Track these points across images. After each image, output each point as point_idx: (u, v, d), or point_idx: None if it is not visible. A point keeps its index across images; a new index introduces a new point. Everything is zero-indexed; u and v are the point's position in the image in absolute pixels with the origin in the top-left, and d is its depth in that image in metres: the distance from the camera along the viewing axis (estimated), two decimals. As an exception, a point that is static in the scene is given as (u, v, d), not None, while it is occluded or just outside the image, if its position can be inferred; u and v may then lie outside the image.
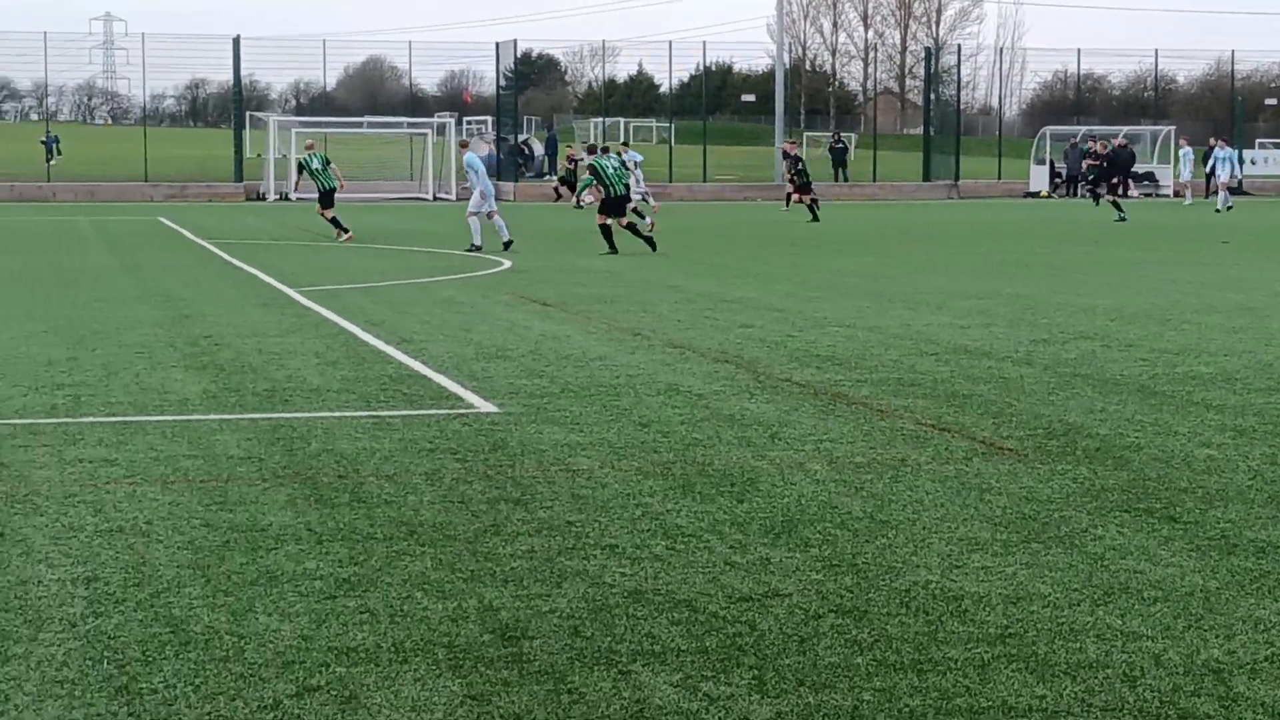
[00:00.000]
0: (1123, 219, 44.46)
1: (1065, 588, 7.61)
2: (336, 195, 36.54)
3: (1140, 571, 7.90)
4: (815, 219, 44.35)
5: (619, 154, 40.95)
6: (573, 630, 6.91)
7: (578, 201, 50.43)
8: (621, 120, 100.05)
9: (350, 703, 6.02)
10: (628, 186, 32.53)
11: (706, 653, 6.61)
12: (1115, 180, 45.59)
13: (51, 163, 69.47)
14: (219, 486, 9.77)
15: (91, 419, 12.15)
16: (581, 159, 49.89)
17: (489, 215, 32.47)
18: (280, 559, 8.08)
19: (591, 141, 40.75)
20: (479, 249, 31.81)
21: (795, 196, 46.90)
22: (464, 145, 34.70)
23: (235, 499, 9.43)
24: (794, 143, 52.47)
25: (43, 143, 71.95)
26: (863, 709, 5.98)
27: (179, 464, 10.45)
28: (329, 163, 36.72)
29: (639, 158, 51.00)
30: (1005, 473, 10.26)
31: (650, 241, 31.61)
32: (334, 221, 36.30)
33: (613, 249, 31.20)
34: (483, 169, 33.03)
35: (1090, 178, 53.06)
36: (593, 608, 7.24)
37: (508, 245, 32.13)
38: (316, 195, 36.95)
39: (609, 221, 31.81)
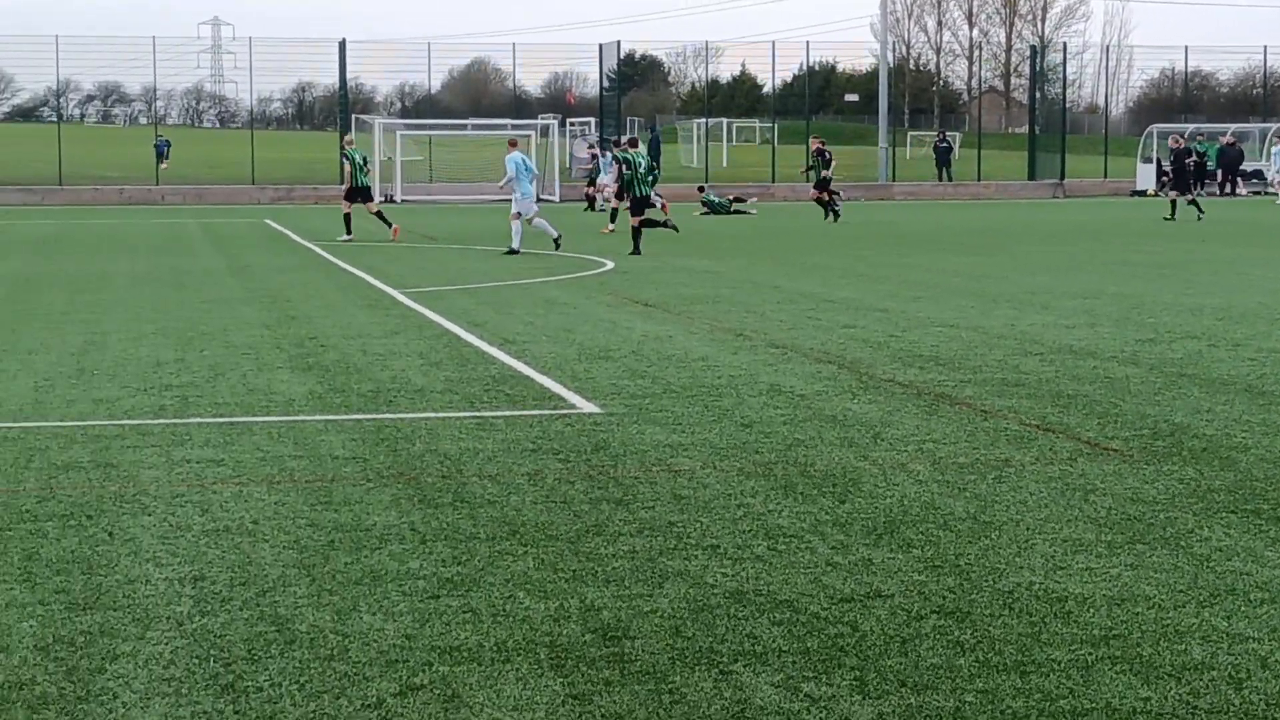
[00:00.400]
0: (1169, 219, 43.98)
1: (1170, 589, 7.55)
2: (363, 195, 36.72)
3: (1247, 573, 7.82)
4: (833, 217, 44.27)
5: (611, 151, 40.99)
6: (674, 630, 6.92)
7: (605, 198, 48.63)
8: (724, 121, 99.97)
9: (453, 702, 6.06)
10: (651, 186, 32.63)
11: (808, 653, 6.61)
12: (1190, 180, 44.83)
13: (162, 167, 70.18)
14: (324, 486, 9.86)
15: (199, 419, 12.28)
16: (601, 153, 49.15)
17: (529, 220, 32.05)
18: (384, 559, 8.14)
19: (631, 135, 39.96)
20: (515, 252, 31.31)
21: (817, 195, 46.30)
22: (512, 145, 34.10)
23: (340, 499, 9.50)
24: (819, 139, 50.90)
25: (155, 146, 72.72)
26: (965, 710, 5.96)
27: (285, 464, 10.54)
28: (367, 160, 36.98)
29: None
30: (1110, 473, 10.18)
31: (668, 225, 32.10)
32: (347, 219, 36.55)
33: (637, 250, 31.32)
34: (520, 172, 32.44)
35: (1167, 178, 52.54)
36: (694, 608, 7.25)
37: (520, 251, 31.49)
38: (345, 188, 37.11)
39: (638, 222, 31.96)
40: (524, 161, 32.59)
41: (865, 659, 6.54)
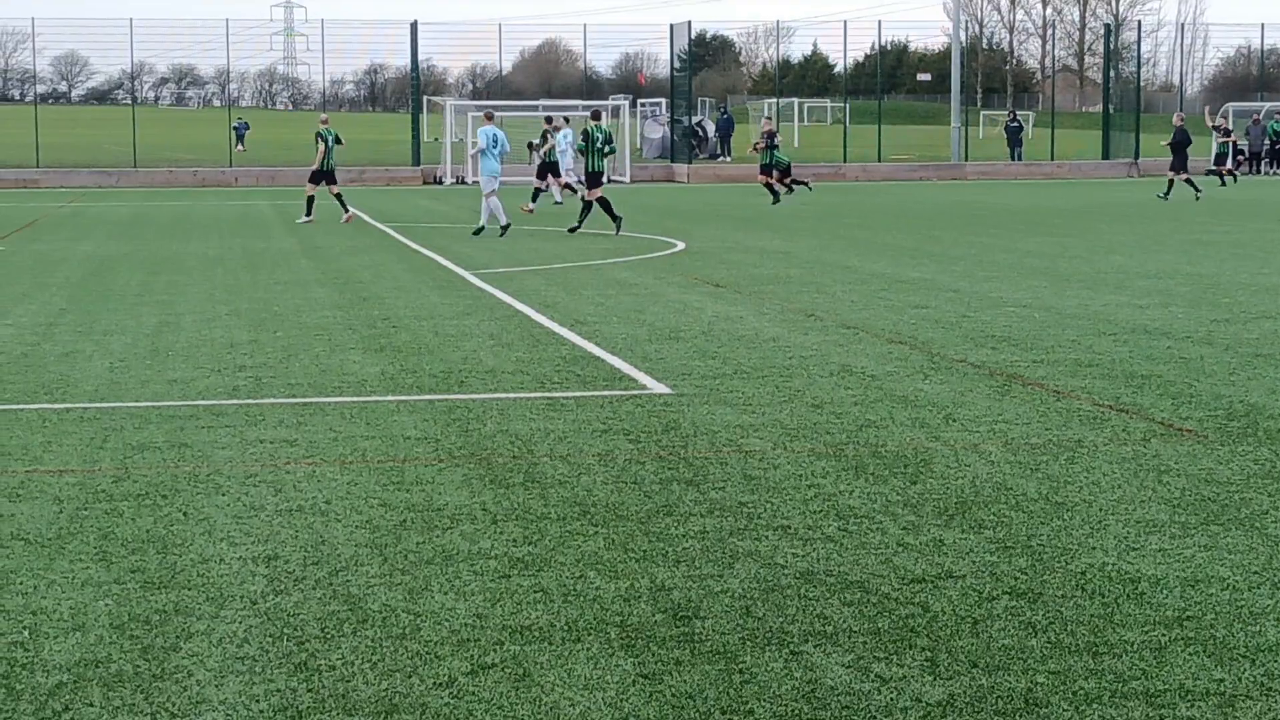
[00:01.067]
0: (1198, 195, 44.18)
1: (1245, 570, 7.50)
2: (328, 177, 36.44)
3: (1323, 555, 7.76)
4: (778, 199, 43.07)
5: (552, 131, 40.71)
6: (744, 610, 6.92)
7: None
8: (796, 100, 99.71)
9: (524, 681, 6.08)
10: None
11: (879, 634, 6.60)
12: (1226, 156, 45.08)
13: (239, 149, 70.27)
14: (396, 467, 9.90)
15: (272, 400, 12.35)
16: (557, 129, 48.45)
17: (486, 195, 31.57)
18: (456, 538, 8.17)
19: (594, 109, 39.17)
20: (506, 227, 31.31)
21: (767, 179, 44.20)
22: (488, 118, 33.41)
23: (412, 479, 9.55)
24: (769, 119, 49.94)
25: (234, 128, 72.89)
26: (1037, 691, 5.94)
27: (357, 444, 10.60)
28: (339, 140, 36.83)
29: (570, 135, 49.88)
30: (1184, 454, 10.12)
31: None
32: (309, 201, 36.47)
33: (616, 221, 31.40)
34: (488, 146, 31.90)
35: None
36: (764, 588, 7.25)
37: (486, 229, 31.42)
38: (313, 168, 36.78)
39: (600, 193, 31.90)
40: (495, 135, 32.11)
41: (936, 640, 6.52)
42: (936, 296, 19.36)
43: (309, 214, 36.28)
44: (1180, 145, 44.55)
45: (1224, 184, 52.51)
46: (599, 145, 32.58)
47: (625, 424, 11.24)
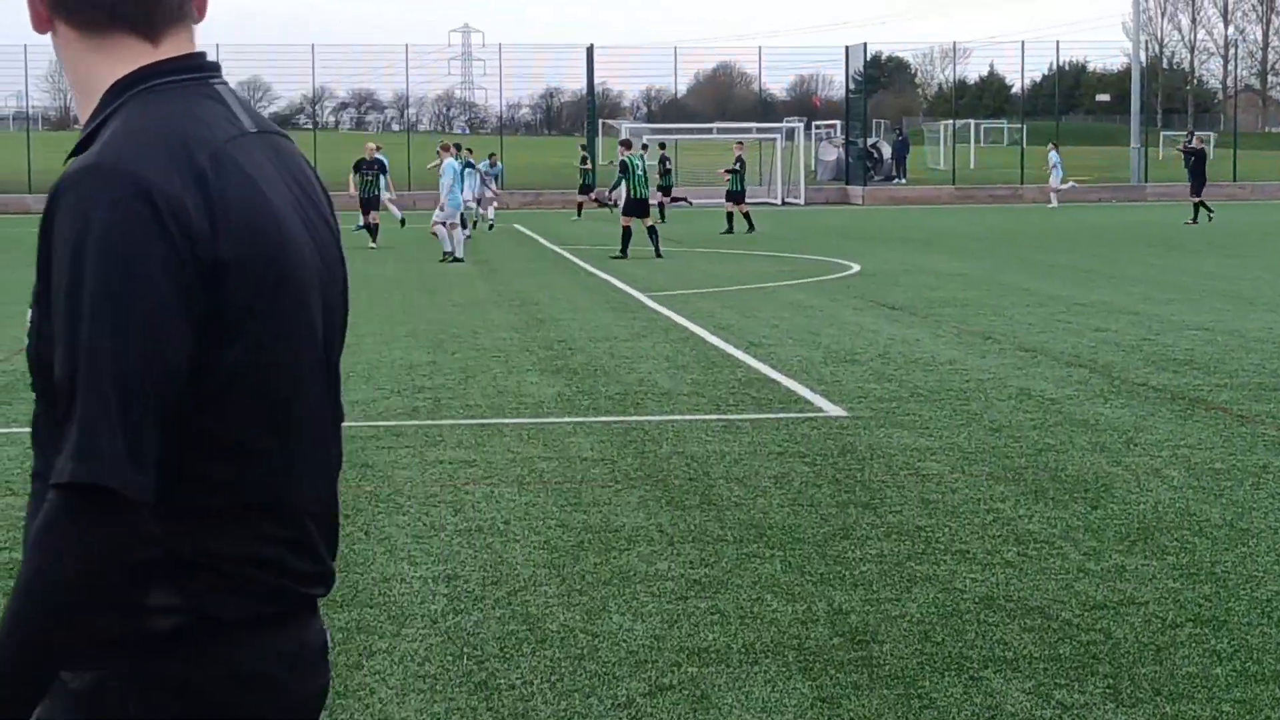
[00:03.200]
0: (1199, 221, 43.00)
1: None
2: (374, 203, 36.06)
3: None
4: (731, 230, 41.35)
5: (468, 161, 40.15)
6: (923, 635, 6.88)
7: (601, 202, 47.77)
8: (972, 122, 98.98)
9: (702, 702, 6.09)
10: (660, 189, 32.09)
11: (1059, 660, 6.53)
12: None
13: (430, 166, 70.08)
14: (573, 488, 9.96)
15: (451, 421, 12.48)
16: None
17: (448, 225, 31.22)
18: (633, 560, 8.20)
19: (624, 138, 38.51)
20: (459, 260, 30.79)
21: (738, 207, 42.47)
22: (452, 149, 33.04)
23: (589, 500, 9.60)
24: (740, 143, 48.69)
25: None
26: (1222, 721, 5.85)
27: (535, 465, 10.68)
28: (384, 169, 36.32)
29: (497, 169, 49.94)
30: (1374, 481, 9.91)
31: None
32: (373, 228, 35.99)
33: (624, 254, 31.24)
34: (456, 179, 31.74)
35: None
36: (943, 613, 7.21)
37: (446, 256, 31.06)
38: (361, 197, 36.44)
39: (631, 223, 31.69)
40: (463, 169, 31.77)
41: (1119, 667, 6.44)
42: (1116, 319, 19.12)
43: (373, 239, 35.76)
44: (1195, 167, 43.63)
45: None
46: (639, 174, 32.46)
47: (801, 447, 11.22)
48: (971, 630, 6.95)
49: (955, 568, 7.99)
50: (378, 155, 37.45)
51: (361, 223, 36.81)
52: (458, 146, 33.90)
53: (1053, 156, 57.69)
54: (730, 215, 41.91)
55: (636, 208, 32.34)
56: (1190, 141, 50.38)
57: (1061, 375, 14.51)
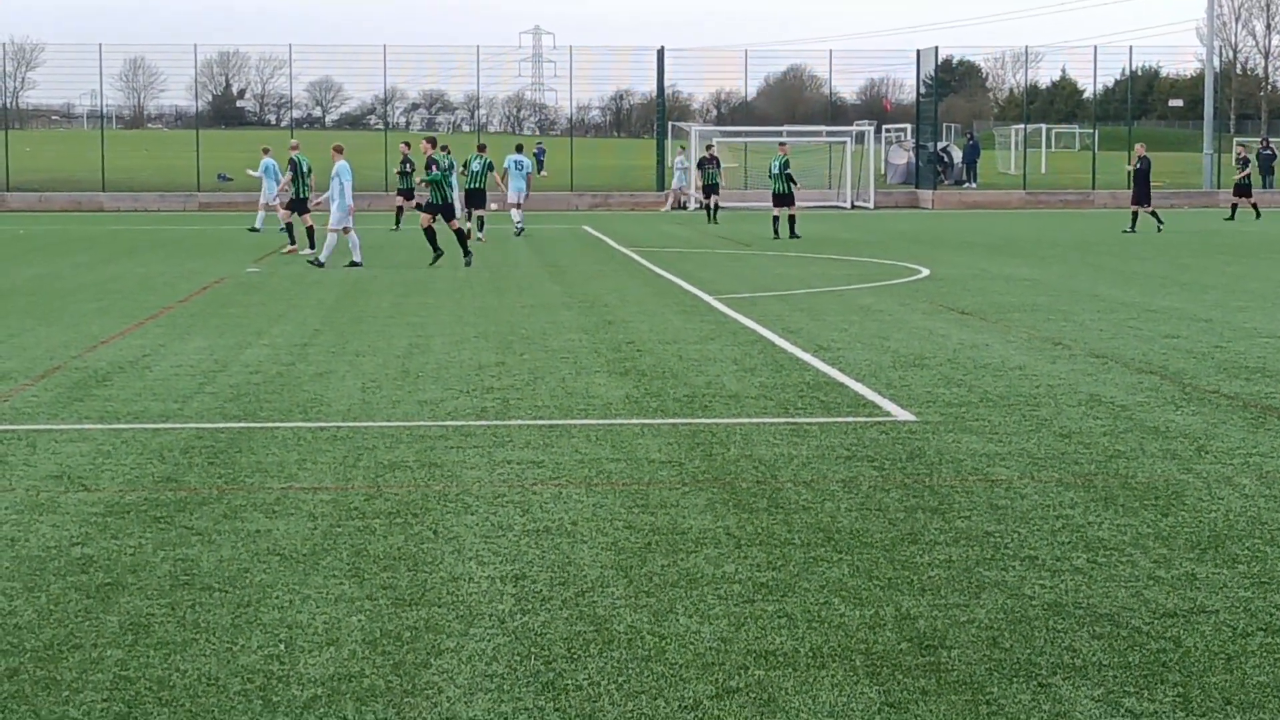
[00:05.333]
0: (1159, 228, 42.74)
1: None
2: (301, 206, 34.88)
3: None
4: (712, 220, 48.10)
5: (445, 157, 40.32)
6: (991, 641, 6.86)
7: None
8: (1043, 126, 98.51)
9: (769, 706, 6.09)
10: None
11: (1129, 668, 6.50)
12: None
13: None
14: (641, 489, 9.97)
15: (519, 422, 12.51)
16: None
17: (345, 230, 30.47)
18: (700, 562, 8.20)
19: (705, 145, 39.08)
20: (320, 264, 29.92)
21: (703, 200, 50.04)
22: (338, 150, 31.40)
23: (656, 502, 9.61)
24: (710, 145, 54.58)
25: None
26: (1293, 731, 5.80)
27: (602, 466, 10.69)
28: (311, 171, 35.05)
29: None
30: None
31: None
32: (289, 227, 35.14)
33: (436, 254, 30.53)
34: (348, 183, 30.79)
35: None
36: (1012, 619, 7.18)
37: (353, 264, 30.20)
38: (290, 197, 35.04)
39: (430, 223, 30.85)
40: (346, 173, 30.91)
41: (1189, 675, 6.40)
42: (1188, 326, 19.00)
43: (293, 243, 34.84)
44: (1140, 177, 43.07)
45: None
46: (448, 175, 31.70)
47: (869, 451, 11.20)
48: (1040, 637, 6.92)
49: (1024, 574, 7.96)
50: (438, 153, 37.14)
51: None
52: (432, 141, 32.69)
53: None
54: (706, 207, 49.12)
55: (435, 208, 30.97)
56: (1264, 148, 50.26)
57: (1132, 382, 14.42)
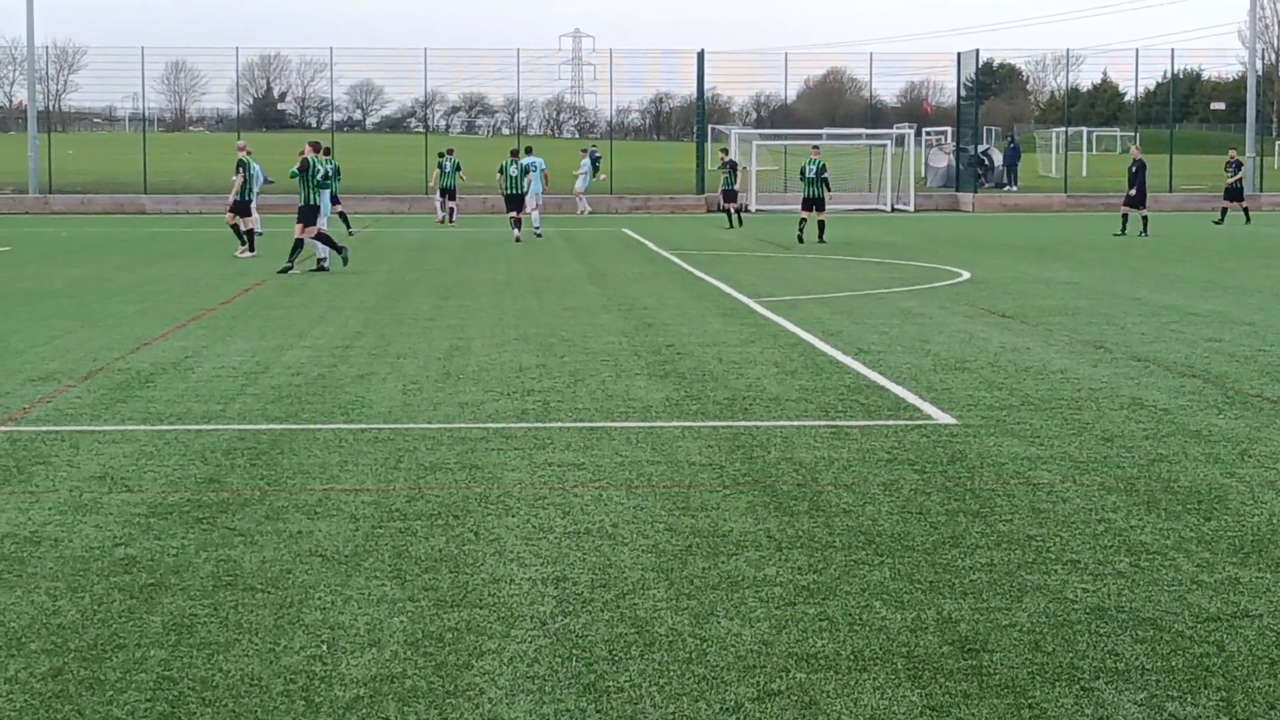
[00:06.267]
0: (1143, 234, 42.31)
1: None
2: (244, 209, 34.45)
3: None
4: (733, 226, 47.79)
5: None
6: (1033, 645, 6.84)
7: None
8: (1084, 129, 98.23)
9: (810, 709, 6.09)
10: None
11: (1172, 672, 6.47)
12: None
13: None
14: (681, 492, 9.97)
15: (560, 424, 12.52)
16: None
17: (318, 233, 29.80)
18: (741, 564, 8.20)
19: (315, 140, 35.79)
20: (289, 270, 29.22)
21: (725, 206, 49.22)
22: (314, 148, 30.60)
23: (697, 504, 9.61)
24: (725, 150, 54.46)
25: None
26: (1338, 737, 5.77)
27: (643, 469, 10.70)
28: (259, 176, 34.74)
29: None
30: None
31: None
32: (235, 229, 34.54)
33: (291, 265, 29.43)
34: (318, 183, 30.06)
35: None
36: (1054, 623, 7.16)
37: (320, 267, 29.74)
38: (234, 199, 34.58)
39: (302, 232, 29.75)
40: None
41: (1233, 680, 6.38)
42: (1231, 330, 18.92)
43: (247, 246, 34.15)
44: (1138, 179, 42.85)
45: None
46: (319, 179, 30.17)
47: (910, 454, 11.18)
48: (1083, 640, 6.90)
49: (1066, 577, 7.94)
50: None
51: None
52: (315, 145, 31.88)
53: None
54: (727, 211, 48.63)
55: (306, 214, 29.86)
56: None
57: (1175, 385, 14.37)
